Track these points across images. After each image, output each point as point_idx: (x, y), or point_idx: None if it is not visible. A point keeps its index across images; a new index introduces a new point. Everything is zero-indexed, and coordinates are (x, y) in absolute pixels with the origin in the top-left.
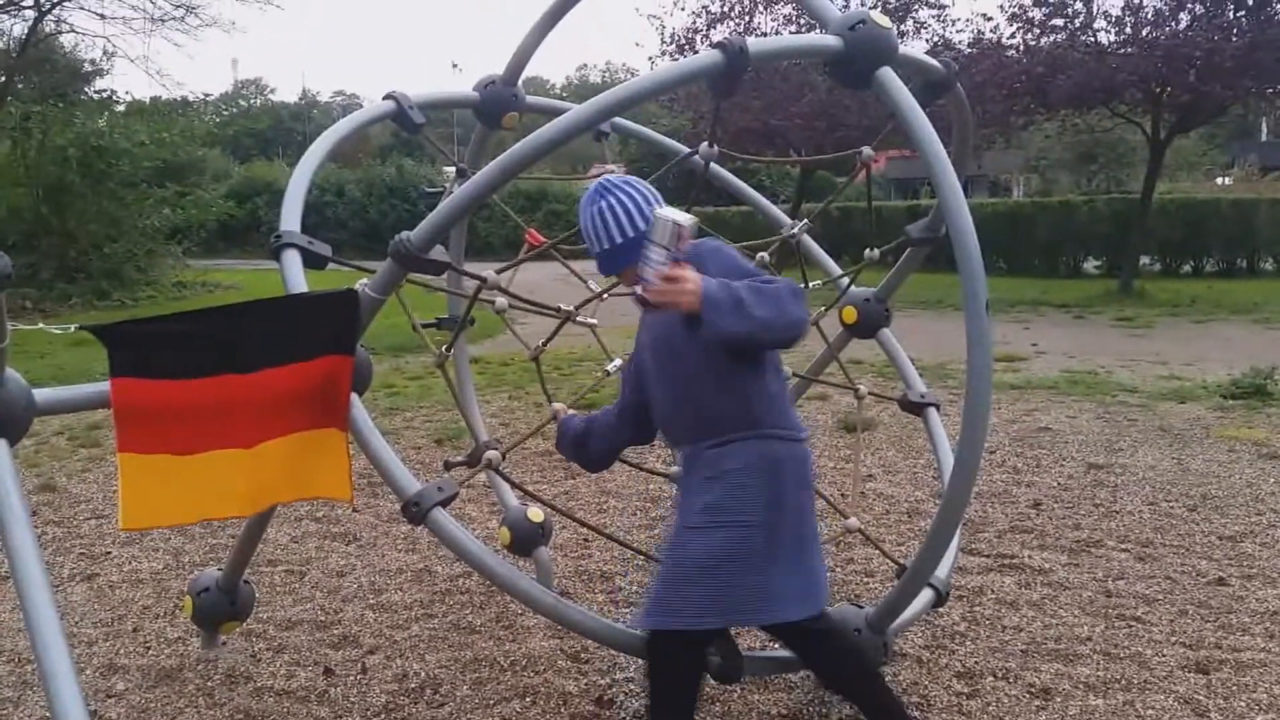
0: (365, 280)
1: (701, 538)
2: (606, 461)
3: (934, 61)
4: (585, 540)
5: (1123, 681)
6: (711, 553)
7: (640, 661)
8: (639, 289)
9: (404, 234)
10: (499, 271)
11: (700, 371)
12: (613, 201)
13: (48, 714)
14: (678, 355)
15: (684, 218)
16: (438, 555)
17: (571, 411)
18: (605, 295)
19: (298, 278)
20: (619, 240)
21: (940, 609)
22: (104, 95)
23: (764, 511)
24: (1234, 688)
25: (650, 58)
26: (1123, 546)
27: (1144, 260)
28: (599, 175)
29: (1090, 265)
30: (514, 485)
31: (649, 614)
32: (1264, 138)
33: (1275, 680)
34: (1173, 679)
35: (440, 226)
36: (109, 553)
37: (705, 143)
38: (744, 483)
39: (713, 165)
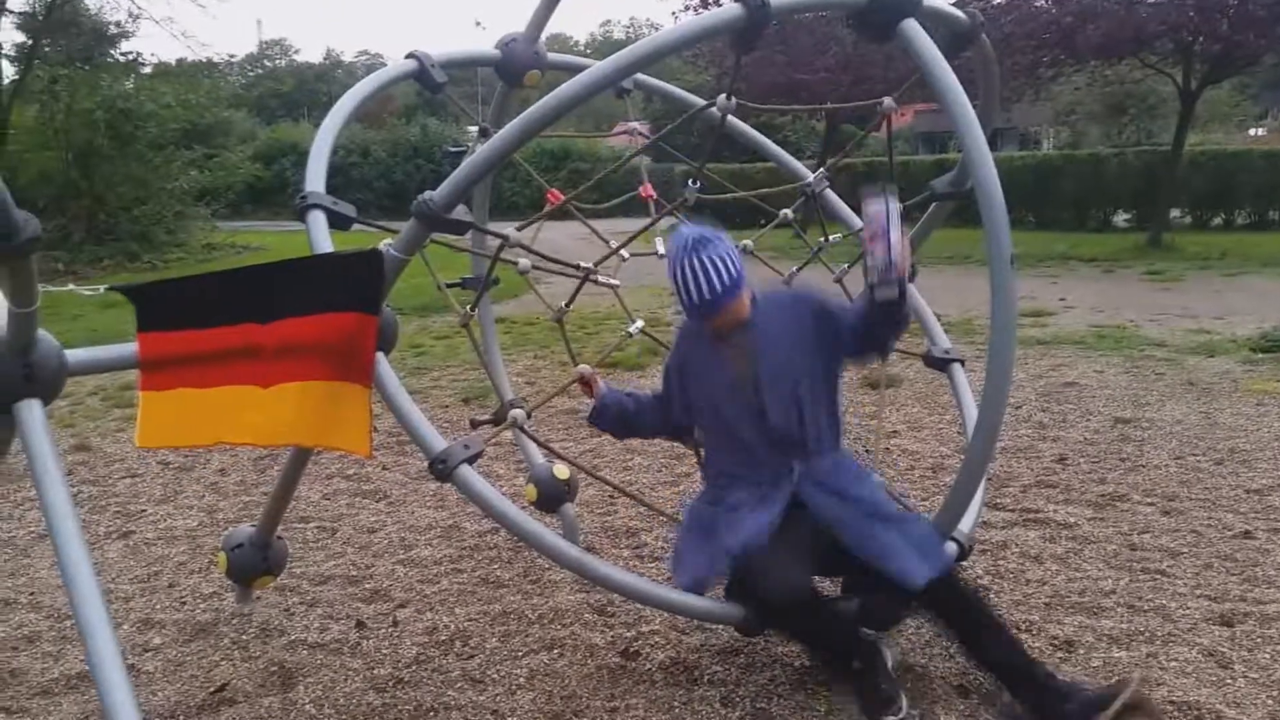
0: (389, 240)
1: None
2: (646, 437)
3: (959, 13)
4: (611, 496)
5: (1146, 634)
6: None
7: (661, 615)
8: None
9: (427, 193)
10: (519, 229)
11: (821, 388)
12: (709, 255)
13: (86, 667)
14: (802, 369)
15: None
16: (465, 512)
17: (600, 378)
18: (628, 255)
19: (323, 238)
20: (724, 284)
21: (964, 563)
22: (130, 58)
23: None
24: (1258, 640)
25: (674, 12)
26: (1148, 500)
27: (1174, 213)
28: (623, 133)
29: (1120, 219)
30: (539, 444)
31: (947, 552)
32: None
33: None
34: (1196, 631)
35: (462, 186)
36: (144, 510)
37: (723, 95)
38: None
39: (733, 119)
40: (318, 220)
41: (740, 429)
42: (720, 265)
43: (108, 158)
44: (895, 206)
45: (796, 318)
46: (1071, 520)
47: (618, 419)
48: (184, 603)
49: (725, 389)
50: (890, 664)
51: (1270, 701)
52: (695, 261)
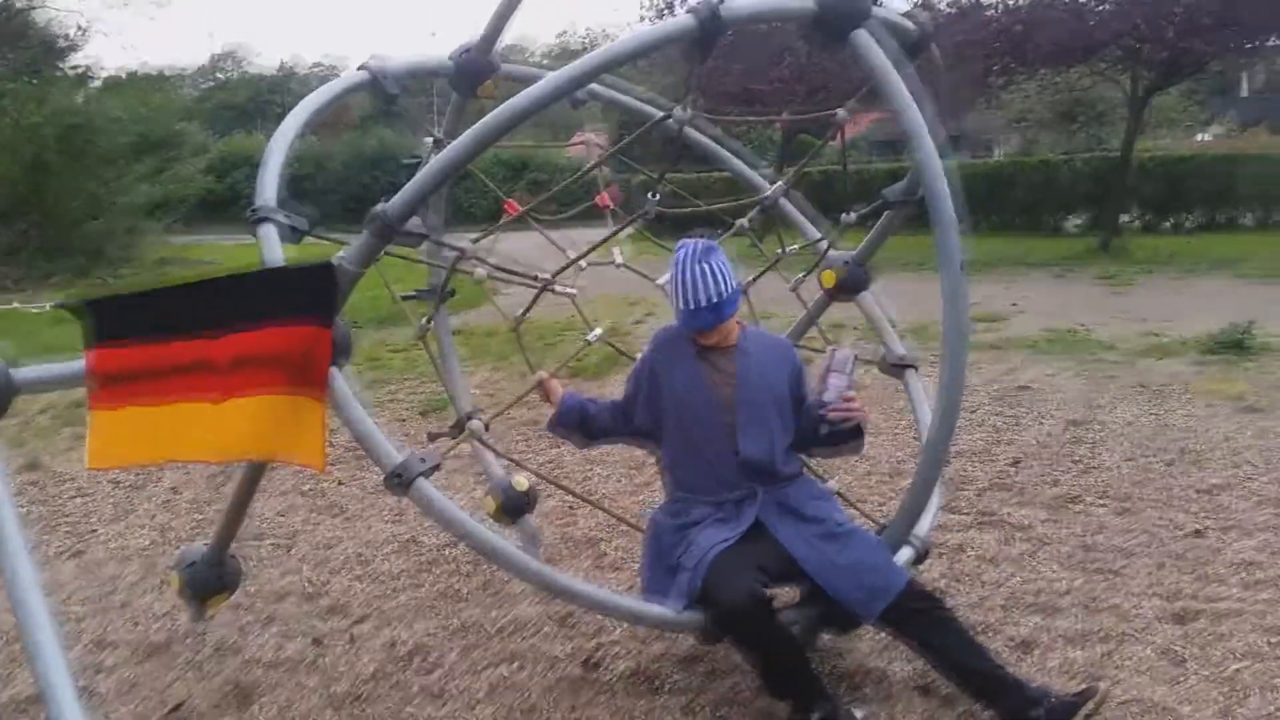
0: (343, 252)
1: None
2: (601, 443)
3: (908, 22)
4: (571, 507)
5: (1102, 633)
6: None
7: (622, 625)
8: (826, 411)
9: (380, 205)
10: (475, 240)
11: (790, 422)
12: (715, 262)
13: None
14: (777, 405)
15: (850, 353)
16: (424, 526)
17: (564, 385)
18: (585, 264)
19: (275, 251)
20: (727, 292)
21: (920, 566)
22: (79, 71)
23: None
24: (1211, 637)
25: (629, 23)
26: (1101, 501)
27: (1125, 218)
28: (580, 143)
29: (1071, 224)
30: (498, 454)
31: (899, 575)
32: (1244, 94)
33: (1251, 629)
34: (1151, 630)
35: (416, 197)
36: (95, 530)
37: (679, 106)
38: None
39: (691, 130)
40: (269, 233)
41: (707, 449)
42: (725, 275)
43: (58, 172)
44: (857, 356)
45: (781, 359)
46: (1027, 522)
47: (579, 423)
48: (137, 622)
49: (699, 407)
50: None
51: (1222, 698)
52: (703, 267)
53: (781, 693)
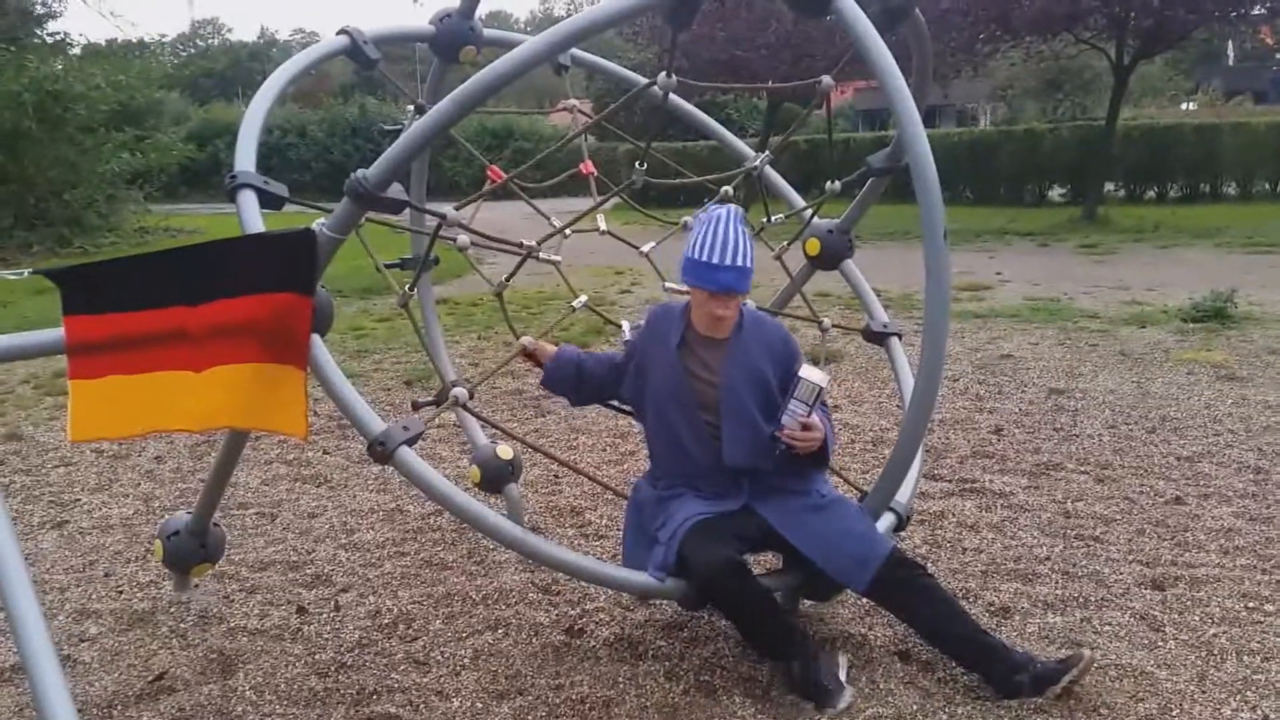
0: (323, 219)
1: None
2: (590, 401)
3: None
4: (556, 476)
5: (1080, 599)
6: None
7: (606, 592)
8: (778, 433)
9: (360, 172)
10: (458, 208)
11: (773, 409)
12: (747, 232)
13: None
14: (763, 404)
15: (822, 378)
16: (409, 495)
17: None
18: (569, 232)
19: (254, 218)
20: (752, 265)
21: (901, 533)
22: (58, 38)
23: None
24: (1188, 602)
25: None
26: (1082, 469)
27: (1108, 187)
28: (563, 109)
29: (1055, 194)
30: (484, 422)
31: (883, 543)
32: (1229, 62)
33: (1228, 595)
34: (1129, 596)
35: (396, 163)
36: (78, 500)
37: (663, 73)
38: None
39: (675, 98)
40: (248, 200)
41: (690, 446)
42: (750, 246)
43: (36, 141)
44: (821, 386)
45: (776, 352)
46: (1007, 489)
47: (575, 375)
48: (121, 592)
49: (680, 408)
50: (844, 671)
51: (1199, 662)
52: (741, 229)
53: (761, 647)
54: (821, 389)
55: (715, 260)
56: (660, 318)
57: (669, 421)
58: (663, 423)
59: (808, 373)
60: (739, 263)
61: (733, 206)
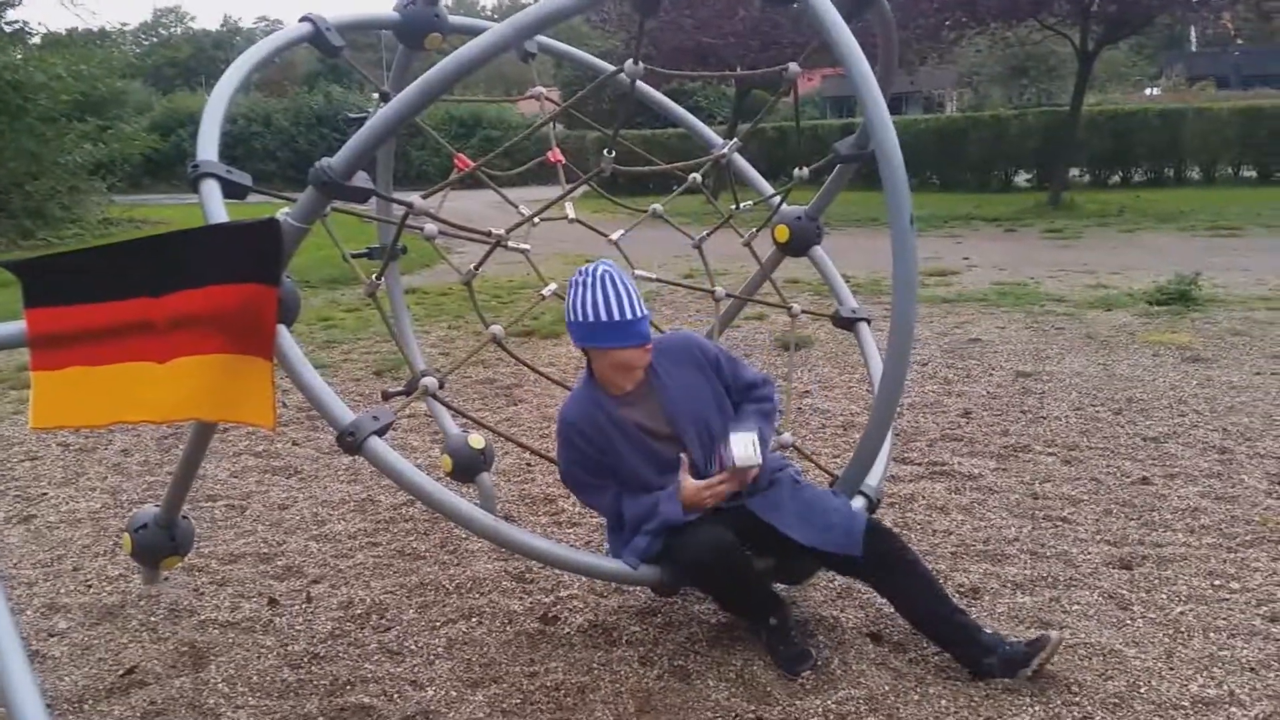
0: (287, 209)
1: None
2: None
3: None
4: (528, 464)
5: (1049, 579)
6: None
7: (580, 580)
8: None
9: (325, 160)
10: (425, 197)
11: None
12: (628, 282)
13: None
14: (717, 413)
15: (749, 457)
16: (380, 485)
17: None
18: (537, 220)
19: (217, 208)
20: (635, 313)
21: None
22: (17, 27)
23: None
24: (1156, 581)
25: None
26: (1050, 450)
27: (1074, 172)
28: (531, 97)
29: (1021, 179)
30: (455, 411)
31: (860, 515)
32: (1192, 48)
33: (1195, 573)
34: (1097, 575)
35: (361, 152)
36: (45, 494)
37: (629, 60)
38: None
39: (643, 86)
40: (211, 189)
41: (668, 482)
42: (635, 295)
43: None
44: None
45: (695, 364)
46: (976, 472)
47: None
48: (89, 586)
49: (655, 469)
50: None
51: (1167, 639)
52: (611, 283)
53: (740, 611)
54: (735, 465)
55: (601, 318)
56: (573, 425)
57: (649, 483)
58: (643, 484)
59: (737, 447)
60: (627, 314)
61: (595, 264)
